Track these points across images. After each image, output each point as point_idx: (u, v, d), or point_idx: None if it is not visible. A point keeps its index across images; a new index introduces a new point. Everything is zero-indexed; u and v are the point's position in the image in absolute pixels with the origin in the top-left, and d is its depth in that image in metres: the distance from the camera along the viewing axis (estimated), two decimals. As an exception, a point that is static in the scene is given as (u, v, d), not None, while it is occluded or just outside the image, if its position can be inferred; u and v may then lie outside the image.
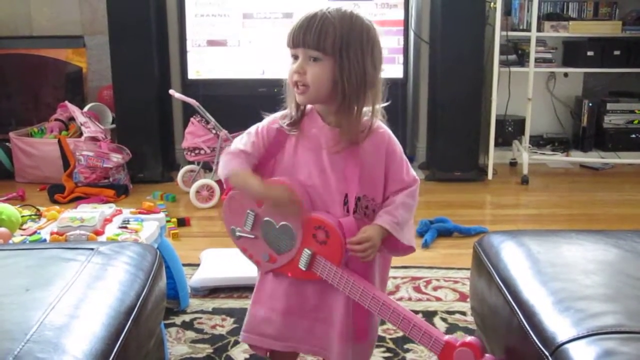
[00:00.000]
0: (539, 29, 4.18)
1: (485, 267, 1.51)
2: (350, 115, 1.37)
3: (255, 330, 1.51)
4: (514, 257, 1.48)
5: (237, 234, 1.46)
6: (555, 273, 1.37)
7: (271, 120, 1.45)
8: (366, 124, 1.39)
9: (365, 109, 1.39)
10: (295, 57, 1.37)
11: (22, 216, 2.11)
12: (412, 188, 1.45)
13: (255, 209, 1.43)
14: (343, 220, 1.39)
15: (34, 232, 1.99)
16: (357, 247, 1.37)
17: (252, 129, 1.47)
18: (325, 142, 1.40)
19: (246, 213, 1.44)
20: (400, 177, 1.45)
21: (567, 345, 1.11)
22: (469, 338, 1.32)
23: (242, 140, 1.45)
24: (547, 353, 1.13)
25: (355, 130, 1.38)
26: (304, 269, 1.41)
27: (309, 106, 1.43)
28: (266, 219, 1.42)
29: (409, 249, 1.45)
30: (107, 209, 2.18)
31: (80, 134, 3.94)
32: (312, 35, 1.32)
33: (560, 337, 1.13)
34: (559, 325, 1.17)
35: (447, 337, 1.33)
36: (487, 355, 1.30)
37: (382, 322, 2.11)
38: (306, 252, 1.40)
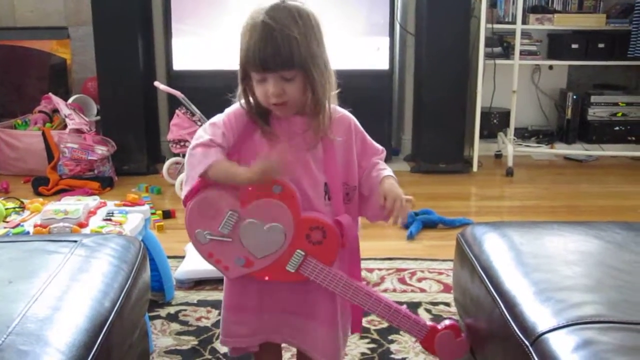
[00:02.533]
0: (524, 22, 4.20)
1: (468, 258, 1.53)
2: (321, 111, 1.36)
3: (233, 334, 1.47)
4: (496, 248, 1.49)
5: (208, 237, 1.33)
6: (536, 264, 1.39)
7: (236, 110, 1.39)
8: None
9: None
10: (261, 79, 1.32)
11: (6, 209, 2.10)
12: (382, 156, 1.49)
13: (237, 210, 1.32)
14: (341, 218, 1.37)
15: (18, 225, 1.98)
16: (396, 210, 1.36)
17: (217, 119, 1.38)
18: (301, 131, 1.37)
19: (225, 214, 1.32)
20: (371, 150, 1.47)
21: (547, 335, 1.12)
22: (447, 321, 1.42)
23: (208, 132, 1.34)
24: (527, 343, 1.14)
25: (327, 123, 1.37)
26: (292, 270, 1.35)
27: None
28: (250, 220, 1.32)
29: None
30: (92, 201, 2.17)
31: (65, 126, 3.91)
32: (282, 57, 1.28)
33: (541, 327, 1.14)
34: (539, 315, 1.18)
35: (429, 323, 1.42)
36: (462, 334, 1.43)
37: (367, 314, 2.13)
38: (299, 254, 1.34)
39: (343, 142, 1.41)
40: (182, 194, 1.36)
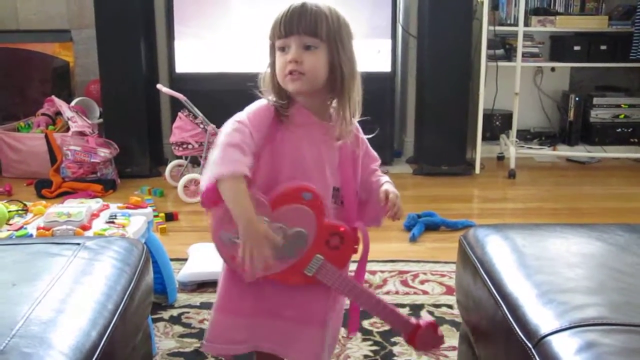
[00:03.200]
0: (526, 24, 4.20)
1: (471, 260, 1.53)
2: (346, 109, 1.38)
3: (222, 338, 1.43)
4: (498, 250, 1.49)
5: (234, 240, 1.30)
6: (539, 266, 1.39)
7: (261, 108, 1.36)
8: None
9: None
10: (283, 49, 1.34)
11: (9, 211, 2.11)
12: (378, 163, 1.52)
13: (268, 215, 1.31)
14: (358, 224, 1.41)
15: (21, 227, 1.99)
16: (397, 206, 1.40)
17: (242, 117, 1.33)
18: (321, 136, 1.38)
19: None
20: (371, 156, 1.50)
21: (549, 337, 1.12)
22: (427, 319, 1.49)
23: (236, 129, 1.29)
24: (530, 345, 1.14)
25: (350, 125, 1.39)
26: (310, 274, 1.37)
27: (297, 100, 1.38)
28: (277, 224, 1.32)
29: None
30: (94, 203, 2.18)
31: (68, 129, 3.92)
32: (307, 22, 1.31)
33: (543, 330, 1.14)
34: (542, 317, 1.18)
35: (413, 320, 1.47)
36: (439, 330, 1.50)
37: (368, 317, 2.13)
38: (318, 258, 1.37)
39: (352, 147, 1.43)
40: (201, 187, 1.31)
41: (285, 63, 1.33)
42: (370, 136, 1.50)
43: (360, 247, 1.42)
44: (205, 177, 1.29)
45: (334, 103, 1.40)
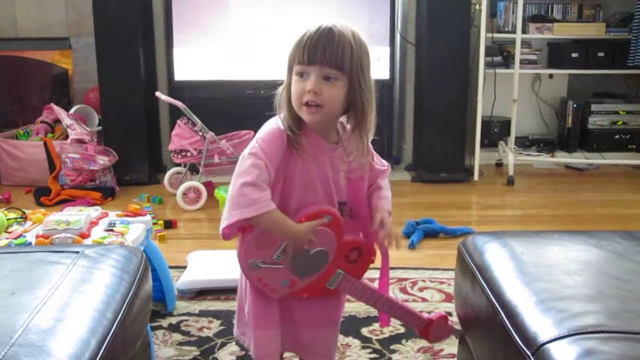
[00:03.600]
0: (524, 31, 4.22)
1: (469, 267, 1.53)
2: (364, 137, 1.39)
3: (268, 351, 1.50)
4: (497, 257, 1.49)
5: (261, 265, 1.41)
6: (538, 274, 1.39)
7: (274, 135, 1.35)
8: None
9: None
10: (302, 75, 1.31)
11: (8, 219, 2.10)
12: (388, 171, 1.54)
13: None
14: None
15: (20, 235, 1.99)
16: (386, 227, 1.45)
17: (255, 148, 1.32)
18: (329, 159, 1.40)
19: (280, 244, 1.39)
20: (379, 168, 1.53)
21: (548, 345, 1.12)
22: (439, 312, 1.62)
23: (252, 165, 1.30)
24: (529, 353, 1.14)
25: (367, 154, 1.42)
26: (331, 288, 1.47)
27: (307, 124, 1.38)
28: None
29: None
30: (93, 211, 2.18)
31: (66, 136, 3.93)
32: (331, 53, 1.27)
33: (542, 337, 1.14)
34: (540, 325, 1.18)
35: (425, 315, 1.60)
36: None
37: (368, 324, 2.13)
38: (339, 273, 1.46)
39: (364, 169, 1.47)
40: (222, 226, 1.34)
41: (302, 91, 1.31)
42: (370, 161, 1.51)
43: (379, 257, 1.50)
44: (226, 217, 1.32)
45: (353, 130, 1.40)
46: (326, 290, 1.48)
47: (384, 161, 1.55)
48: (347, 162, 1.42)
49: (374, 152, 1.51)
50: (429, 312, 1.64)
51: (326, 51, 1.27)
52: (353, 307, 2.23)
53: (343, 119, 1.42)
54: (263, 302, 1.47)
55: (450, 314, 2.25)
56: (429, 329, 1.59)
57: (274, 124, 1.37)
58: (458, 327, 1.70)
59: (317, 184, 1.40)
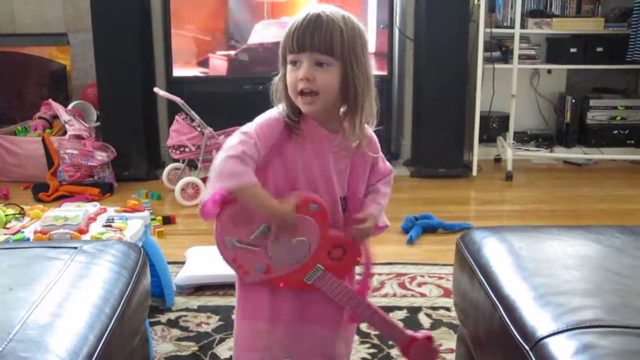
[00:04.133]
0: (522, 26, 4.21)
1: (468, 262, 1.53)
2: (356, 121, 1.35)
3: (245, 346, 1.46)
4: (495, 252, 1.50)
5: (237, 245, 1.36)
6: (536, 268, 1.39)
7: (270, 120, 1.35)
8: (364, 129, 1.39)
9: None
10: (295, 63, 1.30)
11: (6, 215, 2.10)
12: (390, 177, 1.50)
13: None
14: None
15: (18, 231, 1.99)
16: (364, 225, 1.40)
17: (249, 128, 1.32)
18: (330, 149, 1.37)
19: (259, 226, 1.34)
20: (382, 169, 1.49)
21: (546, 340, 1.12)
22: (424, 332, 1.52)
23: (241, 142, 1.29)
24: (527, 347, 1.14)
25: (360, 137, 1.37)
26: (309, 282, 1.41)
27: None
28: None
29: (385, 228, 1.49)
30: (92, 207, 2.18)
31: (65, 132, 3.92)
32: (320, 38, 1.27)
33: (540, 332, 1.14)
34: (539, 319, 1.18)
35: (409, 332, 1.51)
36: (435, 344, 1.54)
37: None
38: (318, 268, 1.41)
39: (363, 157, 1.43)
40: (202, 199, 1.33)
41: (296, 79, 1.30)
42: (374, 155, 1.47)
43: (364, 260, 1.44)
44: (208, 191, 1.30)
45: (346, 114, 1.37)
46: (304, 284, 1.41)
47: (388, 164, 1.50)
48: (349, 153, 1.39)
49: (382, 155, 1.48)
50: (415, 330, 1.53)
51: (314, 37, 1.27)
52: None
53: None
54: (249, 292, 1.44)
55: (448, 308, 2.26)
56: (410, 348, 1.50)
57: (273, 111, 1.37)
58: (456, 322, 1.70)
59: (317, 175, 1.37)
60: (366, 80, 1.34)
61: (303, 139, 1.35)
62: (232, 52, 4.09)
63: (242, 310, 1.47)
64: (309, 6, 1.32)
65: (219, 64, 4.12)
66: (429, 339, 1.51)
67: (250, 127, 1.33)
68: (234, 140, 1.30)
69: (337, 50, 1.28)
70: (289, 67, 1.32)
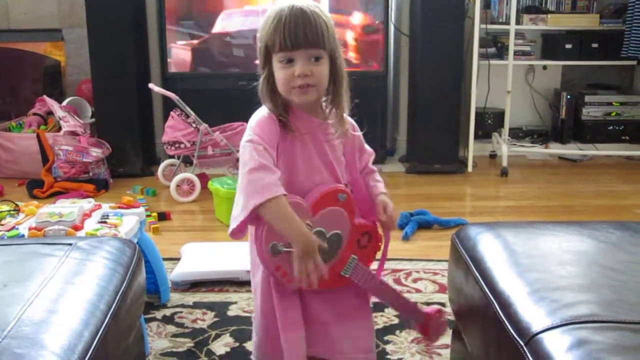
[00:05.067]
0: (517, 22, 4.22)
1: (463, 258, 1.53)
2: (340, 107, 1.39)
3: (302, 354, 1.42)
4: (490, 248, 1.50)
5: (282, 249, 1.33)
6: (531, 264, 1.39)
7: (265, 120, 1.35)
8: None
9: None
10: (286, 60, 1.31)
11: (1, 212, 2.10)
12: (373, 157, 1.54)
13: (311, 220, 1.34)
14: (377, 219, 1.45)
15: (12, 228, 1.98)
16: (389, 208, 1.44)
17: (250, 136, 1.32)
18: (324, 136, 1.40)
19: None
20: (367, 151, 1.53)
21: (541, 335, 1.12)
22: (433, 307, 1.57)
23: (252, 152, 1.29)
24: (522, 342, 1.14)
25: (345, 121, 1.41)
26: (347, 275, 1.41)
27: (293, 106, 1.38)
28: (318, 229, 1.35)
29: None
30: (86, 203, 2.17)
31: (59, 129, 3.91)
32: (313, 34, 1.29)
33: (535, 327, 1.15)
34: (533, 315, 1.18)
35: (425, 309, 1.56)
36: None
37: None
38: (353, 259, 1.41)
39: (352, 142, 1.46)
40: (232, 225, 1.32)
41: (291, 76, 1.31)
42: (359, 133, 1.50)
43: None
44: (240, 209, 1.29)
45: (331, 101, 1.40)
46: (339, 280, 1.41)
47: (368, 146, 1.54)
48: (342, 139, 1.42)
49: (363, 140, 1.52)
50: (424, 305, 1.59)
51: (307, 33, 1.29)
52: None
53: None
54: (287, 304, 1.41)
55: (443, 304, 2.26)
56: (428, 325, 1.54)
57: (263, 111, 1.38)
58: (451, 317, 1.70)
59: (320, 163, 1.39)
60: (344, 66, 1.39)
61: (298, 133, 1.36)
62: (227, 48, 4.08)
63: (287, 322, 1.41)
64: (280, 1, 1.32)
65: (214, 59, 4.11)
66: (439, 311, 1.56)
67: (250, 134, 1.33)
68: (245, 154, 1.30)
69: (326, 43, 1.31)
70: (279, 64, 1.32)
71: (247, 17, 4.07)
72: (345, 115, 1.42)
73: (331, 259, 1.39)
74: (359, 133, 1.49)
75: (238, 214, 1.30)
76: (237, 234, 1.33)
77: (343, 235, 1.39)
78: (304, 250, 1.28)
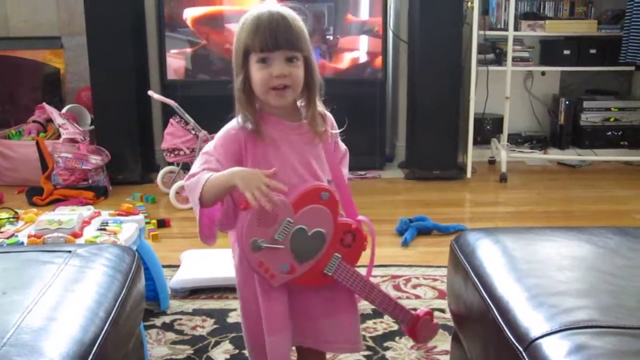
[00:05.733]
0: (516, 28, 4.23)
1: (462, 264, 1.53)
2: (314, 108, 1.41)
3: (284, 355, 1.45)
4: (489, 254, 1.50)
5: (263, 245, 1.36)
6: (529, 269, 1.39)
7: (229, 132, 1.41)
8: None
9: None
10: (263, 61, 1.34)
11: (0, 219, 2.10)
12: (347, 157, 1.56)
13: (291, 217, 1.36)
14: (363, 218, 1.47)
15: (12, 235, 1.98)
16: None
17: (209, 147, 1.42)
18: (299, 136, 1.42)
19: (281, 222, 1.35)
20: (341, 147, 1.55)
21: (540, 340, 1.12)
22: (423, 309, 1.58)
23: (201, 161, 1.39)
24: (521, 348, 1.14)
25: (320, 120, 1.43)
26: (330, 274, 1.42)
27: (264, 110, 1.41)
28: (300, 226, 1.38)
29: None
30: (86, 211, 2.17)
31: (59, 136, 3.91)
32: (291, 36, 1.33)
33: (534, 333, 1.15)
34: (532, 320, 1.18)
35: (413, 312, 1.56)
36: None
37: (362, 321, 2.13)
38: (336, 257, 1.42)
39: (332, 142, 1.49)
40: (198, 227, 1.40)
41: (268, 77, 1.34)
42: (337, 131, 1.52)
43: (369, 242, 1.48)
44: (196, 217, 1.39)
45: (306, 103, 1.43)
46: (323, 278, 1.42)
47: (342, 144, 1.56)
48: (319, 138, 1.44)
49: (339, 139, 1.54)
50: (415, 310, 1.58)
51: (286, 35, 1.33)
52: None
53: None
54: (271, 305, 1.43)
55: (443, 310, 2.26)
56: (416, 327, 1.55)
57: (232, 122, 1.42)
58: (450, 323, 1.70)
59: (297, 165, 1.40)
60: (317, 73, 1.42)
61: (270, 137, 1.39)
62: (225, 55, 4.09)
63: (272, 327, 1.44)
64: (258, 6, 1.37)
65: (213, 66, 4.11)
66: (429, 313, 1.57)
67: (210, 145, 1.42)
68: (195, 165, 1.39)
69: (303, 45, 1.36)
70: (257, 65, 1.35)
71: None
72: (325, 112, 1.45)
73: (314, 256, 1.41)
74: (337, 131, 1.50)
75: (195, 215, 1.38)
76: (209, 237, 1.44)
77: (326, 233, 1.40)
78: (244, 180, 1.30)
